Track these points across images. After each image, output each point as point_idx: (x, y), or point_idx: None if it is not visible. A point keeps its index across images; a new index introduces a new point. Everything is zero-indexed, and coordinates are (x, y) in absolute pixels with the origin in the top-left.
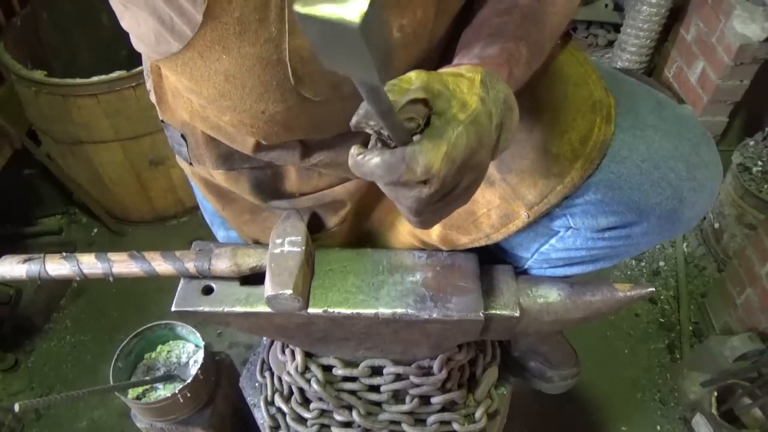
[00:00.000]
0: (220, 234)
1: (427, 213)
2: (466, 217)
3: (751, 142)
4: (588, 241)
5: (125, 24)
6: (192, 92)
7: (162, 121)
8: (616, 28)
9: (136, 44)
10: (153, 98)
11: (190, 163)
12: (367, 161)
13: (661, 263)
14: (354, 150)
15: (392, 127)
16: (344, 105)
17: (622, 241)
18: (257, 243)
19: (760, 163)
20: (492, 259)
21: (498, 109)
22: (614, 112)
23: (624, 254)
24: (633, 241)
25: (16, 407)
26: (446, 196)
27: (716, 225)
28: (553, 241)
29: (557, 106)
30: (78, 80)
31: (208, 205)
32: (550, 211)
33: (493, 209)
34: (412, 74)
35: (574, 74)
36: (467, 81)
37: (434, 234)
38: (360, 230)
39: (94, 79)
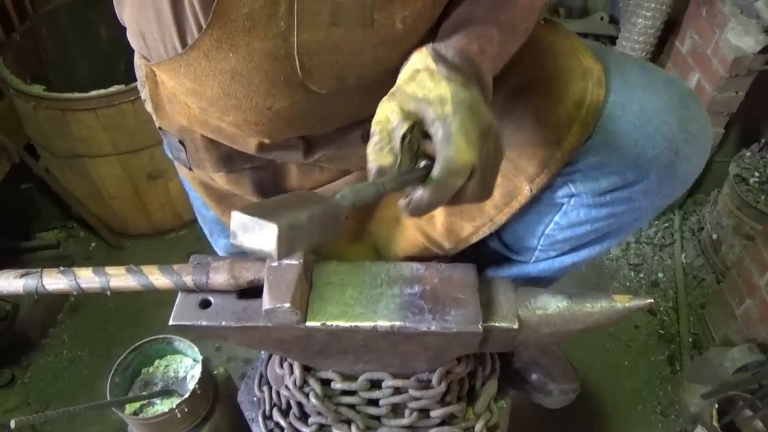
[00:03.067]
0: (220, 242)
1: (488, 185)
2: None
3: (748, 153)
4: (591, 210)
5: (126, 16)
6: (194, 95)
7: (159, 128)
8: (612, 40)
9: (138, 46)
10: (149, 107)
11: (190, 168)
12: (419, 202)
13: (660, 274)
14: (401, 202)
15: (404, 177)
16: (347, 96)
17: (624, 206)
18: None
19: (756, 173)
20: (499, 259)
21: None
22: (604, 76)
23: (627, 226)
24: (635, 205)
25: (12, 424)
26: (488, 165)
27: (714, 236)
28: (557, 217)
29: (548, 79)
30: (76, 95)
31: (208, 214)
32: (552, 182)
33: (495, 188)
34: (386, 111)
35: (562, 48)
36: (426, 72)
37: (439, 224)
38: (362, 230)
39: (93, 93)
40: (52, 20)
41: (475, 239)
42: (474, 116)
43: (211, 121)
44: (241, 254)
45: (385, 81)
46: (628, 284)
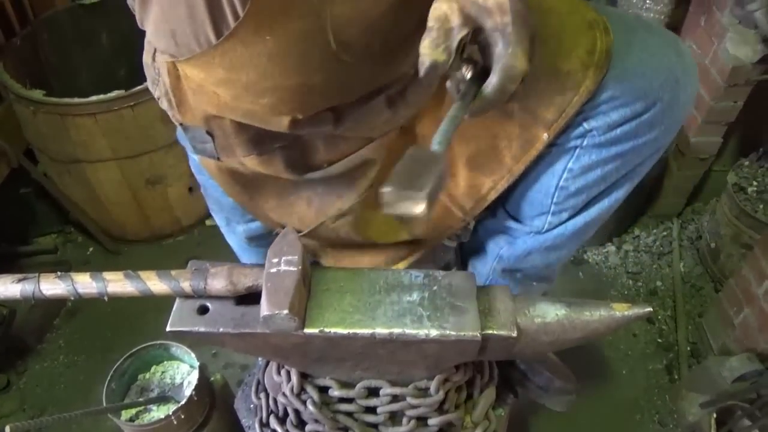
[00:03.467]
0: (239, 229)
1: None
2: (489, 152)
3: (746, 162)
4: (602, 150)
5: (152, 18)
6: (226, 83)
7: (181, 124)
8: None
9: (165, 45)
10: (166, 104)
11: (218, 159)
12: (482, 105)
13: (659, 283)
14: (455, 109)
15: (466, 101)
16: (372, 64)
17: (631, 142)
18: (283, 227)
19: (755, 183)
20: (512, 238)
21: None
22: (609, 25)
23: (632, 173)
24: (640, 141)
25: (7, 430)
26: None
27: (712, 245)
28: (570, 163)
29: (557, 34)
30: (76, 99)
31: (226, 201)
32: (567, 126)
33: (513, 139)
34: (446, 8)
35: (564, 6)
36: None
37: (461, 180)
38: None
39: (92, 98)
40: (52, 25)
41: (493, 195)
42: (526, 25)
43: (243, 106)
44: (255, 240)
45: (402, 46)
46: (626, 293)
